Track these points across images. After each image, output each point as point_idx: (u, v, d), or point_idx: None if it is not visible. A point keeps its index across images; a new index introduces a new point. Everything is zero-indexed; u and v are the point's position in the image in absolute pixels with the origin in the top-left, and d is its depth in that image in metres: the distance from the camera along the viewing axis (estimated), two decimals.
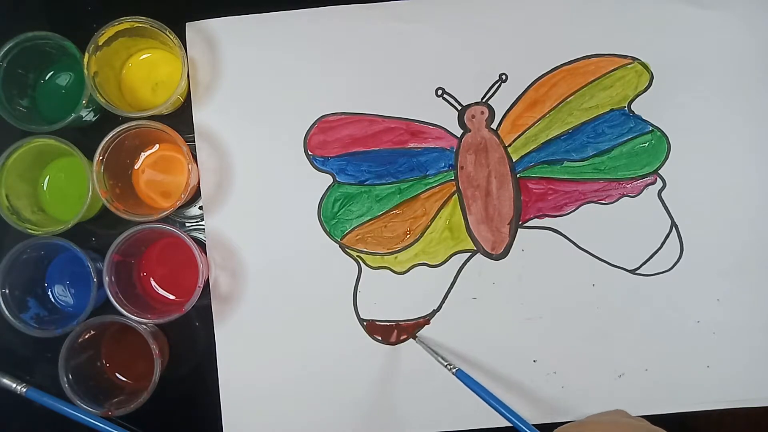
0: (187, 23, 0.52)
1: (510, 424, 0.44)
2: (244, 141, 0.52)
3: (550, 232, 0.51)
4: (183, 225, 0.52)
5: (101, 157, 0.47)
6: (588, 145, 0.52)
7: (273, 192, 0.51)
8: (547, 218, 0.51)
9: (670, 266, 0.51)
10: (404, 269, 0.51)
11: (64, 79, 0.52)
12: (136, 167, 0.52)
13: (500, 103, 0.52)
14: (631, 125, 0.52)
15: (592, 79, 0.52)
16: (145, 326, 0.48)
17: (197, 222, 0.52)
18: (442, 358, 0.48)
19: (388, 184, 0.52)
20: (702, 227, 0.51)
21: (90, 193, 0.47)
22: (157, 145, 0.52)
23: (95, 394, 0.48)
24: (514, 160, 0.51)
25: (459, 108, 0.52)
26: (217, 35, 0.52)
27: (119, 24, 0.48)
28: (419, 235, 0.51)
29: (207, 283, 0.50)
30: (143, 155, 0.52)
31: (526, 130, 0.52)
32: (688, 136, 0.51)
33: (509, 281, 0.51)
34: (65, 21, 0.53)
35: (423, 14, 0.52)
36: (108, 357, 0.51)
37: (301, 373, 0.50)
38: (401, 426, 0.50)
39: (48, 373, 0.49)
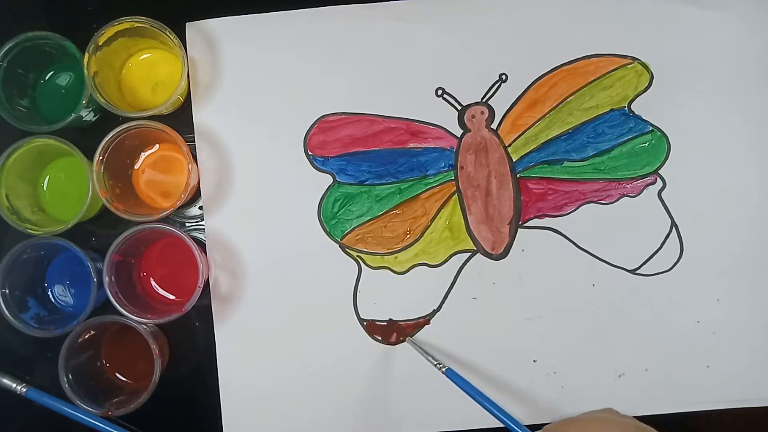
0: (187, 23, 0.52)
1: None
2: (244, 141, 0.52)
3: (550, 232, 0.51)
4: (183, 225, 0.52)
5: (101, 157, 0.47)
6: (588, 145, 0.52)
7: (273, 192, 0.51)
8: (547, 218, 0.51)
9: (670, 266, 0.51)
10: (404, 269, 0.51)
11: (64, 79, 0.52)
12: (136, 167, 0.52)
13: (500, 103, 0.52)
14: (631, 125, 0.52)
15: (592, 79, 0.52)
16: (145, 326, 0.48)
17: (197, 222, 0.52)
18: (432, 358, 0.47)
19: (388, 184, 0.52)
20: (702, 227, 0.51)
21: (90, 193, 0.47)
22: (157, 145, 0.52)
23: (95, 394, 0.48)
24: (514, 160, 0.52)
25: (459, 108, 0.52)
26: (217, 35, 0.52)
27: (119, 24, 0.48)
28: (419, 235, 0.51)
29: (207, 283, 0.50)
30: (143, 155, 0.52)
31: (526, 130, 0.52)
32: (688, 136, 0.51)
33: (509, 281, 0.51)
34: (65, 21, 0.53)
35: (423, 14, 0.52)
36: (108, 357, 0.51)
37: (301, 373, 0.50)
38: (401, 426, 0.50)
39: (48, 373, 0.49)
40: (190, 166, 0.48)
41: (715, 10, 0.52)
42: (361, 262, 0.51)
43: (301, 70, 0.52)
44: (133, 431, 0.49)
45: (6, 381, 0.48)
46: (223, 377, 0.50)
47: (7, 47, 0.47)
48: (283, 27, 0.52)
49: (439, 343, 0.50)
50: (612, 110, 0.52)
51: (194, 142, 0.52)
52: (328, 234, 0.51)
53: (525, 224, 0.51)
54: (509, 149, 0.52)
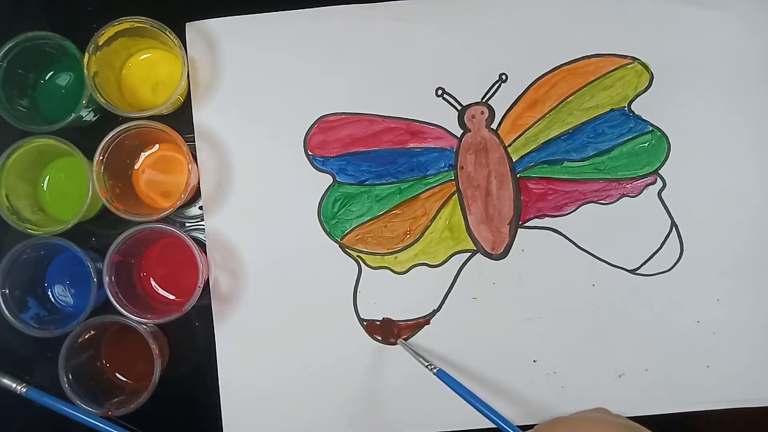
0: (187, 23, 0.52)
1: (518, 423, 0.44)
2: (244, 141, 0.52)
3: (550, 232, 0.51)
4: (183, 225, 0.52)
5: (101, 157, 0.47)
6: (588, 145, 0.52)
7: (273, 192, 0.51)
8: (547, 218, 0.51)
9: (670, 266, 0.51)
10: (404, 269, 0.51)
11: (64, 79, 0.52)
12: (136, 167, 0.52)
13: (500, 103, 0.52)
14: (631, 125, 0.52)
15: (592, 79, 0.52)
16: (145, 326, 0.48)
17: (197, 222, 0.52)
18: (424, 359, 0.47)
19: (388, 184, 0.52)
20: (702, 227, 0.51)
21: (90, 193, 0.47)
22: (157, 145, 0.52)
23: (95, 394, 0.48)
24: (514, 160, 0.51)
25: (459, 108, 0.52)
26: (217, 35, 0.52)
27: (119, 24, 0.48)
28: (419, 235, 0.51)
29: (207, 283, 0.50)
30: (143, 155, 0.52)
31: (526, 130, 0.52)
32: (688, 136, 0.51)
33: (509, 281, 0.51)
34: (65, 21, 0.53)
35: (423, 14, 0.52)
36: (108, 357, 0.51)
37: (301, 373, 0.50)
38: (401, 426, 0.50)
39: (48, 373, 0.49)
40: (190, 166, 0.48)
41: (716, 10, 0.52)
42: (361, 262, 0.51)
43: (301, 70, 0.52)
44: (133, 431, 0.49)
45: (6, 381, 0.48)
46: (223, 377, 0.50)
47: (7, 47, 0.47)
48: (283, 27, 0.52)
49: (439, 343, 0.50)
50: (612, 110, 0.52)
51: (194, 142, 0.52)
52: (328, 234, 0.51)
53: (525, 224, 0.51)
54: (509, 149, 0.52)
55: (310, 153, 0.52)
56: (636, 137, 0.51)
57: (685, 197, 0.51)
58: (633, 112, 0.52)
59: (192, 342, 0.51)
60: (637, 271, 0.51)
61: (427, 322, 0.51)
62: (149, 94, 0.52)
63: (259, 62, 0.52)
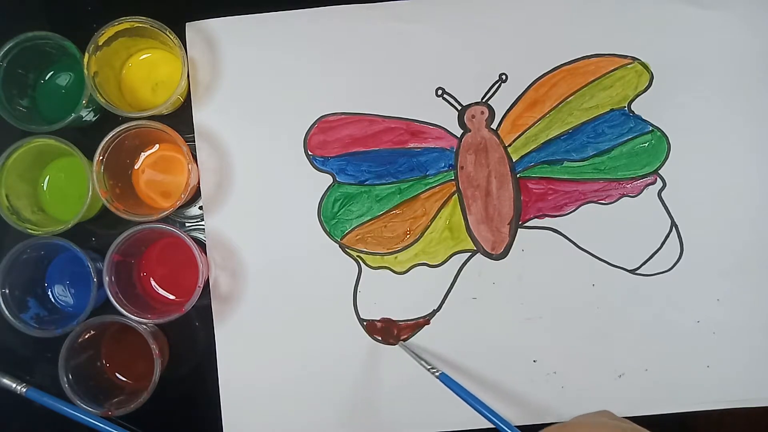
0: (187, 23, 0.52)
1: (518, 423, 0.44)
2: (244, 141, 0.52)
3: (550, 232, 0.51)
4: (183, 225, 0.52)
5: (101, 157, 0.47)
6: (588, 145, 0.52)
7: (273, 192, 0.51)
8: (547, 218, 0.51)
9: (670, 266, 0.51)
10: (404, 269, 0.51)
11: (64, 79, 0.52)
12: (136, 167, 0.52)
13: (500, 103, 0.52)
14: (631, 125, 0.52)
15: (592, 79, 0.52)
16: (145, 326, 0.48)
17: (197, 222, 0.52)
18: (426, 362, 0.47)
19: (388, 184, 0.52)
20: (702, 227, 0.51)
21: (90, 193, 0.47)
22: (157, 145, 0.52)
23: (95, 394, 0.48)
24: (514, 160, 0.51)
25: (459, 108, 0.52)
26: (217, 35, 0.52)
27: (119, 24, 0.48)
28: (419, 235, 0.51)
29: (207, 283, 0.50)
30: (143, 155, 0.52)
31: (526, 130, 0.52)
32: (688, 136, 0.51)
33: (509, 281, 0.51)
34: (65, 21, 0.53)
35: (423, 14, 0.52)
36: (108, 357, 0.51)
37: (301, 373, 0.50)
38: (401, 426, 0.50)
39: (48, 373, 0.49)
40: (190, 166, 0.48)
41: (716, 10, 0.52)
42: (361, 262, 0.51)
43: (301, 70, 0.52)
44: (133, 431, 0.49)
45: (6, 381, 0.48)
46: (223, 377, 0.50)
47: (7, 47, 0.47)
48: (283, 27, 0.52)
49: (439, 343, 0.50)
50: (612, 110, 0.52)
51: (194, 142, 0.52)
52: (328, 234, 0.51)
53: (525, 224, 0.51)
54: (509, 149, 0.52)
55: (310, 153, 0.52)
56: (636, 137, 0.51)
57: (685, 197, 0.51)
58: (633, 112, 0.52)
59: (192, 342, 0.51)
60: (637, 271, 0.51)
61: (427, 322, 0.51)
62: (149, 94, 0.52)
63: (259, 62, 0.52)
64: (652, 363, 0.50)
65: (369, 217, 0.51)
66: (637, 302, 0.50)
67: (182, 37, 0.51)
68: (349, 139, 0.52)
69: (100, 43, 0.48)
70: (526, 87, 0.52)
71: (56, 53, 0.50)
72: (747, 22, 0.52)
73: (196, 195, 0.52)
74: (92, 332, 0.49)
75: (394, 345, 0.51)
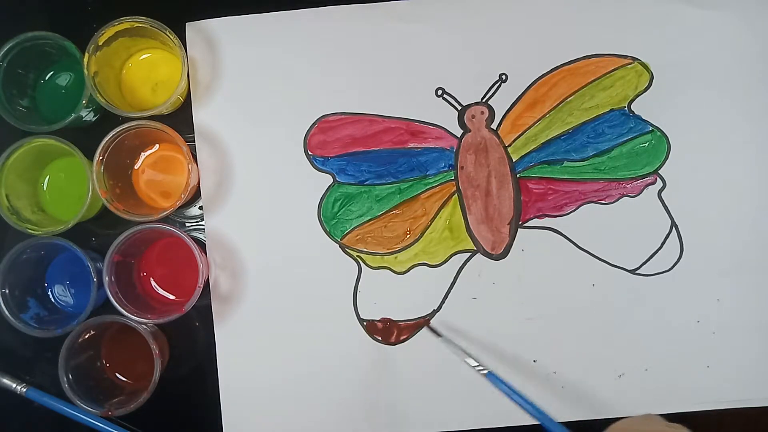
0: (187, 23, 0.52)
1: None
2: (244, 141, 0.52)
3: (550, 232, 0.51)
4: (183, 225, 0.52)
5: (101, 157, 0.47)
6: (588, 145, 0.52)
7: (273, 192, 0.51)
8: (547, 218, 0.51)
9: (670, 266, 0.51)
10: (404, 269, 0.51)
11: (64, 79, 0.52)
12: (136, 167, 0.52)
13: (500, 103, 0.52)
14: (631, 125, 0.52)
15: (592, 79, 0.52)
16: (145, 326, 0.48)
17: (197, 222, 0.52)
18: (473, 359, 0.46)
19: (388, 184, 0.52)
20: (702, 227, 0.51)
21: (90, 193, 0.47)
22: (157, 145, 0.52)
23: (95, 394, 0.48)
24: (514, 160, 0.51)
25: (459, 108, 0.52)
26: (217, 35, 0.52)
27: (119, 24, 0.48)
28: (419, 235, 0.51)
29: (207, 283, 0.50)
30: (143, 155, 0.52)
31: (526, 130, 0.52)
32: (688, 136, 0.51)
33: (509, 281, 0.51)
34: (65, 21, 0.53)
35: (423, 14, 0.52)
36: (108, 357, 0.51)
37: (301, 373, 0.50)
38: (401, 426, 0.50)
39: (48, 373, 0.49)
40: (190, 166, 0.48)
41: (715, 10, 0.52)
42: (361, 262, 0.51)
43: (301, 70, 0.52)
44: (133, 431, 0.49)
45: (6, 381, 0.48)
46: (223, 377, 0.50)
47: (7, 47, 0.47)
48: (283, 27, 0.52)
49: (439, 343, 0.50)
50: (612, 110, 0.52)
51: (194, 142, 0.52)
52: (328, 234, 0.51)
53: (525, 224, 0.51)
54: (509, 149, 0.52)
55: (310, 153, 0.52)
56: (636, 137, 0.51)
57: (685, 197, 0.51)
58: (633, 112, 0.52)
59: (192, 342, 0.51)
60: (637, 271, 0.51)
61: (427, 322, 0.51)
62: (149, 94, 0.52)
63: (259, 62, 0.52)
64: (652, 363, 0.50)
65: (369, 217, 0.51)
66: (637, 302, 0.50)
67: (182, 37, 0.51)
68: (349, 139, 0.52)
69: (100, 43, 0.48)
70: (526, 87, 0.52)
71: (56, 53, 0.50)
72: (747, 22, 0.52)
73: (196, 195, 0.52)
74: (92, 332, 0.49)
75: (394, 345, 0.50)
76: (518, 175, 0.51)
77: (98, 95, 0.47)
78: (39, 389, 0.48)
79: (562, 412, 0.50)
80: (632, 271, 0.51)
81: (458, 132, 0.52)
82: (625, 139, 0.51)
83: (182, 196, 0.48)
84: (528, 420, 0.50)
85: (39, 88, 0.51)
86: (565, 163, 0.51)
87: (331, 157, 0.52)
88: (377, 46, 0.52)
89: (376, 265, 0.51)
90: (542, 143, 0.52)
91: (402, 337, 0.51)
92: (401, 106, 0.52)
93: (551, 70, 0.52)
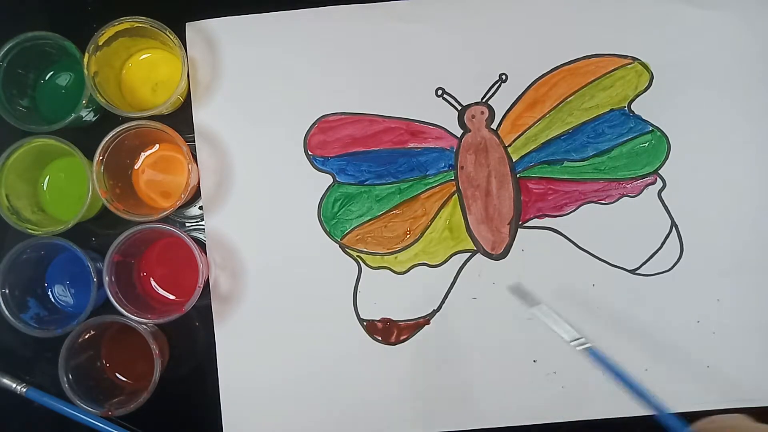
0: (187, 23, 0.52)
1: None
2: (244, 141, 0.52)
3: (550, 232, 0.51)
4: (183, 225, 0.52)
5: (101, 157, 0.47)
6: (588, 145, 0.52)
7: (273, 192, 0.51)
8: (547, 218, 0.51)
9: (670, 266, 0.51)
10: (404, 269, 0.51)
11: (64, 79, 0.52)
12: (136, 167, 0.52)
13: (500, 103, 0.52)
14: (631, 125, 0.52)
15: (592, 79, 0.52)
16: (145, 326, 0.48)
17: (197, 222, 0.52)
18: (572, 329, 0.45)
19: (388, 184, 0.52)
20: (702, 227, 0.51)
21: (90, 193, 0.47)
22: (157, 145, 0.52)
23: (95, 394, 0.48)
24: (514, 160, 0.52)
25: (459, 108, 0.52)
26: (217, 35, 0.52)
27: (119, 24, 0.48)
28: (419, 235, 0.51)
29: (207, 283, 0.50)
30: (143, 155, 0.52)
31: (526, 130, 0.52)
32: (688, 136, 0.51)
33: (509, 281, 0.51)
34: (65, 21, 0.53)
35: (423, 14, 0.52)
36: (108, 357, 0.51)
37: (301, 373, 0.50)
38: (400, 426, 0.50)
39: (48, 373, 0.49)
40: (190, 166, 0.48)
41: (715, 10, 0.52)
42: (361, 262, 0.51)
43: (301, 70, 0.52)
44: (133, 431, 0.49)
45: (6, 381, 0.48)
46: (223, 377, 0.50)
47: (7, 47, 0.47)
48: (283, 27, 0.52)
49: (439, 343, 0.50)
50: (612, 110, 0.52)
51: (194, 142, 0.52)
52: (328, 234, 0.51)
53: (525, 224, 0.51)
54: (509, 149, 0.52)
55: (310, 153, 0.52)
56: (636, 137, 0.51)
57: (685, 197, 0.51)
58: (633, 112, 0.52)
59: (192, 342, 0.51)
60: (637, 271, 0.51)
61: (427, 322, 0.51)
62: (149, 94, 0.52)
63: (259, 62, 0.52)
64: (652, 363, 0.50)
65: (369, 217, 0.51)
66: (637, 302, 0.50)
67: (182, 37, 0.51)
68: (349, 139, 0.52)
69: (100, 43, 0.48)
70: (526, 87, 0.52)
71: (56, 53, 0.50)
72: (747, 22, 0.52)
73: (196, 195, 0.52)
74: (92, 332, 0.49)
75: (394, 345, 0.50)
76: (518, 175, 0.51)
77: (98, 95, 0.47)
78: (39, 389, 0.48)
79: (562, 412, 0.50)
80: (632, 271, 0.51)
81: (458, 132, 0.52)
82: (625, 139, 0.51)
83: (182, 196, 0.48)
84: (528, 420, 0.50)
85: (39, 88, 0.51)
86: (565, 163, 0.51)
87: (331, 157, 0.52)
88: (377, 46, 0.52)
89: (376, 265, 0.51)
90: (542, 143, 0.52)
91: (402, 337, 0.51)
92: (401, 106, 0.52)
93: (551, 70, 0.52)
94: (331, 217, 0.51)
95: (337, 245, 0.51)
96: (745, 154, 0.51)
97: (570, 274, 0.51)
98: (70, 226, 0.47)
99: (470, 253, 0.51)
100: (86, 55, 0.47)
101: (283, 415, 0.50)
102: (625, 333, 0.50)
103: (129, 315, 0.47)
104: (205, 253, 0.51)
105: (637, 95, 0.52)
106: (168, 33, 0.48)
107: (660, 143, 0.51)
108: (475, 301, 0.51)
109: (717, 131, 0.51)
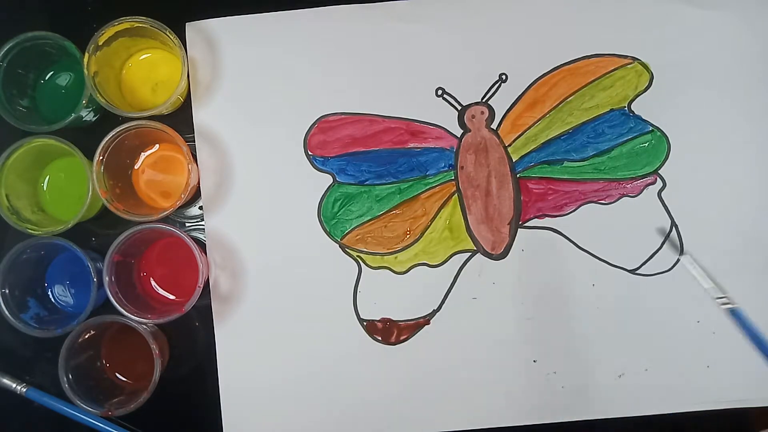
0: (187, 23, 0.52)
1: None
2: (244, 141, 0.52)
3: (550, 232, 0.51)
4: (183, 225, 0.52)
5: (101, 157, 0.47)
6: (588, 145, 0.52)
7: (273, 192, 0.51)
8: (547, 218, 0.51)
9: (670, 266, 0.51)
10: (404, 269, 0.51)
11: (64, 79, 0.52)
12: (136, 167, 0.52)
13: (500, 103, 0.52)
14: (631, 125, 0.52)
15: (592, 79, 0.52)
16: (145, 326, 0.48)
17: (197, 222, 0.52)
18: (717, 287, 0.45)
19: (388, 184, 0.52)
20: (702, 227, 0.51)
21: (90, 193, 0.47)
22: (157, 145, 0.52)
23: (95, 394, 0.48)
24: (514, 160, 0.52)
25: (459, 108, 0.52)
26: (217, 35, 0.52)
27: (119, 24, 0.48)
28: (419, 235, 0.51)
29: (207, 283, 0.50)
30: (143, 155, 0.52)
31: (526, 130, 0.52)
32: (688, 136, 0.51)
33: (509, 281, 0.51)
34: (65, 21, 0.53)
35: (423, 14, 0.52)
36: (108, 357, 0.51)
37: (301, 373, 0.50)
38: (400, 426, 0.50)
39: (48, 373, 0.49)
40: (190, 166, 0.48)
41: (715, 10, 0.52)
42: (361, 262, 0.51)
43: (301, 70, 0.52)
44: (133, 431, 0.49)
45: (6, 381, 0.48)
46: (223, 377, 0.50)
47: (7, 47, 0.47)
48: (283, 27, 0.52)
49: (439, 343, 0.50)
50: (612, 110, 0.52)
51: (194, 142, 0.52)
52: (328, 234, 0.51)
53: (525, 224, 0.51)
54: (509, 149, 0.52)
55: (310, 153, 0.52)
56: (636, 137, 0.51)
57: (685, 197, 0.51)
58: (633, 112, 0.52)
59: (192, 342, 0.51)
60: (637, 271, 0.51)
61: (427, 322, 0.51)
62: (149, 94, 0.52)
63: (259, 62, 0.52)
64: (652, 363, 0.50)
65: (369, 217, 0.51)
66: (637, 302, 0.50)
67: (182, 37, 0.51)
68: (349, 139, 0.52)
69: (100, 43, 0.48)
70: (526, 87, 0.52)
71: (56, 53, 0.50)
72: (747, 22, 0.52)
73: (196, 195, 0.52)
74: (92, 332, 0.49)
75: (394, 345, 0.50)
76: (518, 175, 0.51)
77: (98, 95, 0.47)
78: (39, 389, 0.48)
79: (562, 412, 0.50)
80: (632, 271, 0.51)
81: (458, 132, 0.52)
82: (625, 139, 0.51)
83: (182, 196, 0.48)
84: (528, 420, 0.50)
85: (39, 88, 0.51)
86: (565, 163, 0.51)
87: (331, 157, 0.52)
88: (377, 46, 0.52)
89: (376, 265, 0.51)
90: (542, 143, 0.52)
91: (402, 337, 0.51)
92: (401, 106, 0.52)
93: (551, 70, 0.52)
94: (331, 217, 0.51)
95: (337, 245, 0.51)
96: (745, 154, 0.51)
97: (570, 274, 0.51)
98: (70, 226, 0.47)
99: (470, 253, 0.51)
100: (86, 55, 0.47)
101: (283, 415, 0.50)
102: (625, 333, 0.50)
103: (129, 315, 0.47)
104: (205, 253, 0.51)
105: (637, 95, 0.52)
106: (168, 33, 0.48)
107: (660, 143, 0.51)
108: (475, 301, 0.51)
109: (717, 131, 0.51)
